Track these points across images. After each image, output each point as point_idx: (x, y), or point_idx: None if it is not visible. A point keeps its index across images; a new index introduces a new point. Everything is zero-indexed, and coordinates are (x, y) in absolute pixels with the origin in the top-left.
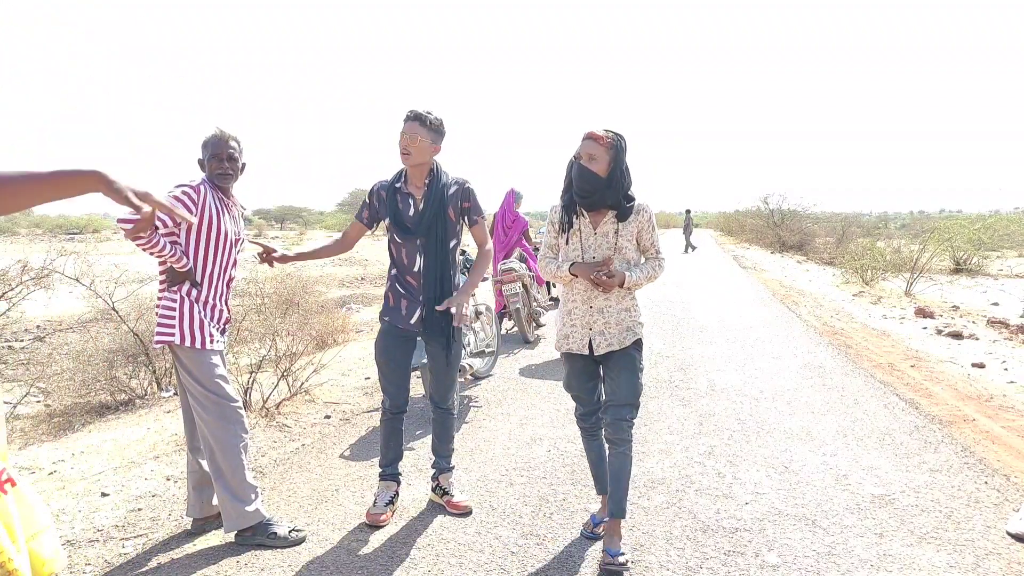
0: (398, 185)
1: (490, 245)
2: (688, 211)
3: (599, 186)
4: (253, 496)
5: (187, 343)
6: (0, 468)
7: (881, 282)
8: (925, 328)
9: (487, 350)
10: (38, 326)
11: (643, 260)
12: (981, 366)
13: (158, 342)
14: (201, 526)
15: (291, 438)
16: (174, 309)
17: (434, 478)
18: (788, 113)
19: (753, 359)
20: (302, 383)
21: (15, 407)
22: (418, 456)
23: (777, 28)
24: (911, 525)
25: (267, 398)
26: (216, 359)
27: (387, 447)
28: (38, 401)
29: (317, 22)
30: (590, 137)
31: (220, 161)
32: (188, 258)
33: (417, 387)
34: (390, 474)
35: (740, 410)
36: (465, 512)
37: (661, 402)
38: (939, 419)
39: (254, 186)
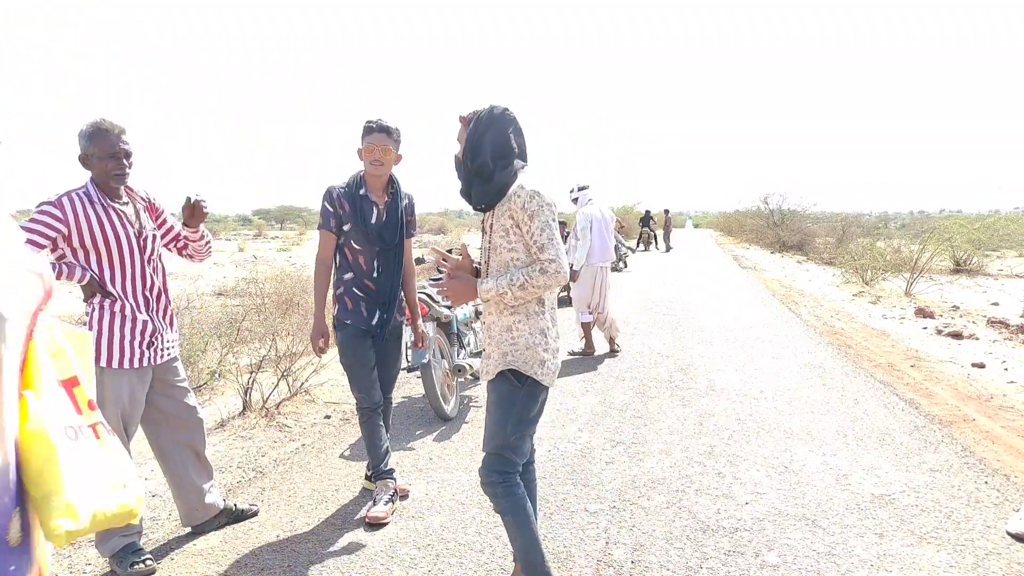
0: (362, 192)
1: (413, 267)
2: (667, 211)
3: (460, 171)
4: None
5: None
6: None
7: (881, 282)
8: (925, 328)
9: None
10: None
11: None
12: (981, 366)
13: None
14: (201, 527)
15: (291, 438)
16: (85, 323)
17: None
18: (788, 112)
19: (753, 359)
20: (302, 383)
21: None
22: (418, 456)
23: (777, 27)
24: (911, 525)
25: (267, 398)
26: (118, 383)
27: (373, 445)
28: None
29: (317, 22)
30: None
31: (117, 160)
32: (90, 270)
33: (417, 387)
34: (385, 472)
35: (740, 410)
36: (403, 495)
37: (661, 402)
38: (939, 419)
39: (254, 186)
